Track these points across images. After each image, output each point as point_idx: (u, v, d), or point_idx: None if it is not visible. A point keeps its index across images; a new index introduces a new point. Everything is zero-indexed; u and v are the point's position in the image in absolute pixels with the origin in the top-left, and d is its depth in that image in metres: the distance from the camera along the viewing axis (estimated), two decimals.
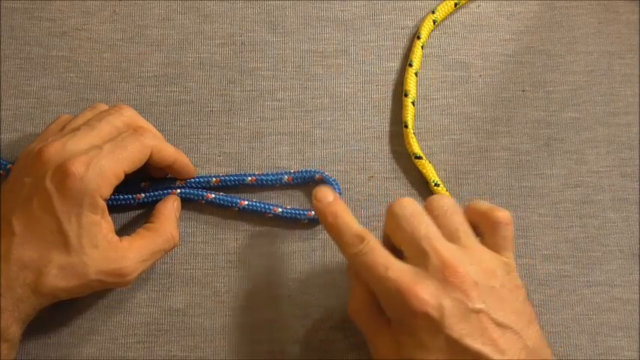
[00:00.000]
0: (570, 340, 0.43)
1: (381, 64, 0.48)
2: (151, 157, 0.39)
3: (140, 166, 0.38)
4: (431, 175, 0.44)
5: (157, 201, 0.42)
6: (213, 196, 0.43)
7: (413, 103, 0.46)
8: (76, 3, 0.48)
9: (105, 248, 0.36)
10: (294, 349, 0.42)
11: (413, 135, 0.45)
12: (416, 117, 0.47)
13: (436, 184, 0.44)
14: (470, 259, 0.34)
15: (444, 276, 0.33)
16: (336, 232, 0.36)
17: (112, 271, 0.36)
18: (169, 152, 0.40)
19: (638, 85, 0.48)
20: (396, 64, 0.48)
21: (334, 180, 0.44)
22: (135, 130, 0.39)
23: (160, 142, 0.40)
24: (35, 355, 0.41)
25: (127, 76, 0.46)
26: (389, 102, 0.47)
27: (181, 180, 0.43)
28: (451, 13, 0.49)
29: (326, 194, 0.37)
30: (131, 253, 0.37)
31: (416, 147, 0.45)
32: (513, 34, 0.49)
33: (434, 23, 0.48)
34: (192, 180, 0.43)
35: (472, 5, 0.49)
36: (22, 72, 0.46)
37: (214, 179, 0.43)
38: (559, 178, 0.46)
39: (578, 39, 0.49)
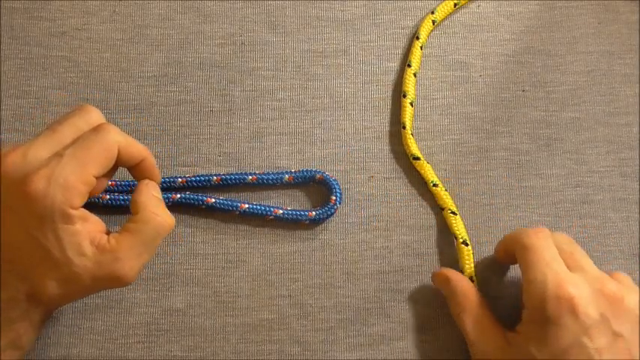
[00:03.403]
0: None
1: (381, 65, 0.48)
2: (118, 155, 0.36)
3: (112, 164, 0.35)
4: (429, 176, 0.44)
5: None
6: (214, 200, 0.43)
7: (411, 104, 0.46)
8: (76, 3, 0.48)
9: (94, 254, 0.34)
10: (294, 349, 0.42)
11: (411, 136, 0.45)
12: (416, 117, 0.47)
13: (434, 185, 0.44)
14: (627, 286, 0.37)
15: (600, 288, 0.35)
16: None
17: (106, 275, 0.34)
18: (138, 149, 0.37)
19: (638, 85, 0.48)
20: (395, 64, 0.48)
21: (334, 180, 0.44)
22: (95, 129, 0.35)
23: (127, 138, 0.36)
24: (35, 355, 0.40)
25: (127, 76, 0.46)
26: (389, 102, 0.47)
27: (182, 178, 0.43)
28: (451, 14, 0.49)
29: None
30: (121, 252, 0.34)
31: (414, 148, 0.45)
32: (513, 34, 0.49)
33: (433, 24, 0.48)
34: (193, 178, 0.43)
35: (472, 5, 0.49)
36: (22, 72, 0.46)
37: (215, 178, 0.43)
38: (559, 178, 0.46)
39: (578, 39, 0.49)
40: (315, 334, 0.42)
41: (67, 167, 0.33)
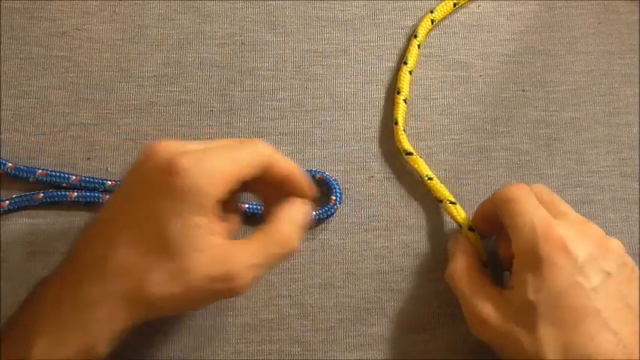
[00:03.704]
0: None
1: (381, 64, 0.48)
2: (267, 169, 0.35)
3: (254, 173, 0.34)
4: (423, 170, 0.44)
5: None
6: None
7: (405, 101, 0.46)
8: (76, 3, 0.48)
9: (210, 252, 0.32)
10: (294, 349, 0.42)
11: (403, 132, 0.45)
12: (416, 117, 0.47)
13: (429, 178, 0.44)
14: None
15: (584, 229, 0.36)
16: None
17: (218, 275, 0.32)
18: (286, 164, 0.36)
19: (638, 85, 0.48)
20: (395, 64, 0.48)
21: (334, 180, 0.44)
22: (248, 140, 0.36)
23: (278, 154, 0.36)
24: None
25: (127, 76, 0.46)
26: (389, 102, 0.47)
27: None
28: (450, 14, 0.49)
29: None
30: (239, 255, 0.33)
31: (406, 143, 0.45)
32: (513, 34, 0.49)
33: (432, 23, 0.48)
34: None
35: (472, 5, 0.49)
36: (22, 72, 0.46)
37: None
38: (559, 178, 0.46)
39: (578, 39, 0.49)
40: (315, 334, 0.42)
41: (218, 157, 0.33)
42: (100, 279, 0.31)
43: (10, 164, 0.43)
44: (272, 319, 0.42)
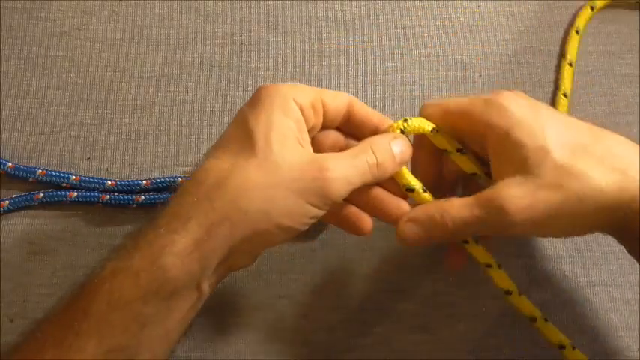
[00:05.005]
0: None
1: (381, 64, 0.48)
2: (351, 113, 0.36)
3: (335, 106, 0.36)
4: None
5: (157, 204, 0.43)
6: None
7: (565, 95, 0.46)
8: (76, 3, 0.48)
9: (298, 153, 0.33)
10: (294, 350, 0.42)
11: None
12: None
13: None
14: None
15: None
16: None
17: (311, 177, 0.32)
18: (366, 109, 0.37)
19: (638, 85, 0.48)
20: (395, 64, 0.48)
21: None
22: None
23: (358, 101, 0.37)
24: None
25: (127, 76, 0.46)
26: (389, 102, 0.47)
27: (182, 178, 0.43)
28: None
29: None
30: (332, 163, 0.32)
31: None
32: (513, 34, 0.49)
33: (592, 10, 0.48)
34: None
35: (472, 5, 0.49)
36: (22, 72, 0.46)
37: None
38: None
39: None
40: (315, 334, 0.42)
41: (302, 85, 0.35)
42: (195, 188, 0.32)
43: (10, 164, 0.43)
44: (272, 319, 0.42)
